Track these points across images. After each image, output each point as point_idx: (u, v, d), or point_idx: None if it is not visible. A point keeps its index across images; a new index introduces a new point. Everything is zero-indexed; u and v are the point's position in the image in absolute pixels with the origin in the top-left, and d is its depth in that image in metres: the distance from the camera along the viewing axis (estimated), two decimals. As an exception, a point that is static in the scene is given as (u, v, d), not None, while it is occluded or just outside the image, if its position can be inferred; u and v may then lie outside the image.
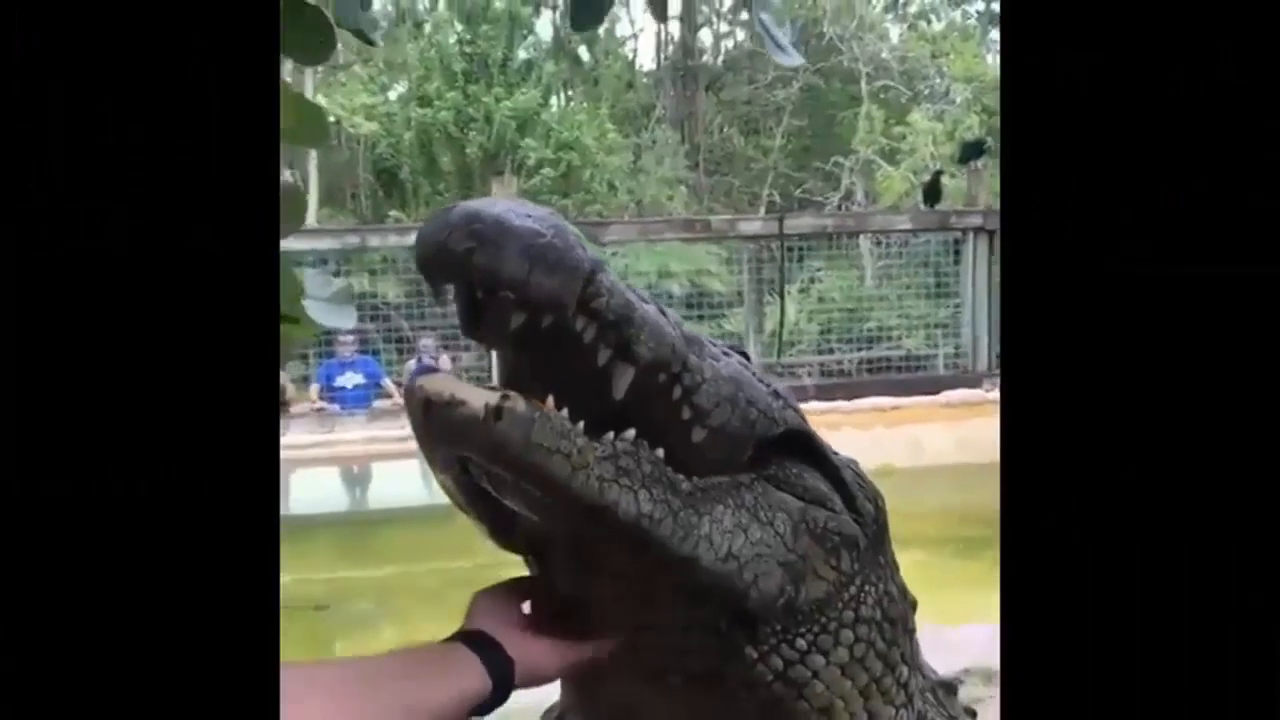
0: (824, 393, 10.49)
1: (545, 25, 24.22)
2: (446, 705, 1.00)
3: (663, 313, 1.06)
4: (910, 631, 1.28)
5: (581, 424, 0.98)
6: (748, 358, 1.21)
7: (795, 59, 1.75)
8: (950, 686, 1.43)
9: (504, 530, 1.14)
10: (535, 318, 0.93)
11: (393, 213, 20.28)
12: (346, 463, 10.15)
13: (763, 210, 20.97)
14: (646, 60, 28.88)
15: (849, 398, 10.20)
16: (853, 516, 1.20)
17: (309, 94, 20.30)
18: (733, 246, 13.59)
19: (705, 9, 27.23)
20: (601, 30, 25.33)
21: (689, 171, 23.93)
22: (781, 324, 12.46)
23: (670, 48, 27.44)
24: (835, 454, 1.25)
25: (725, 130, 25.45)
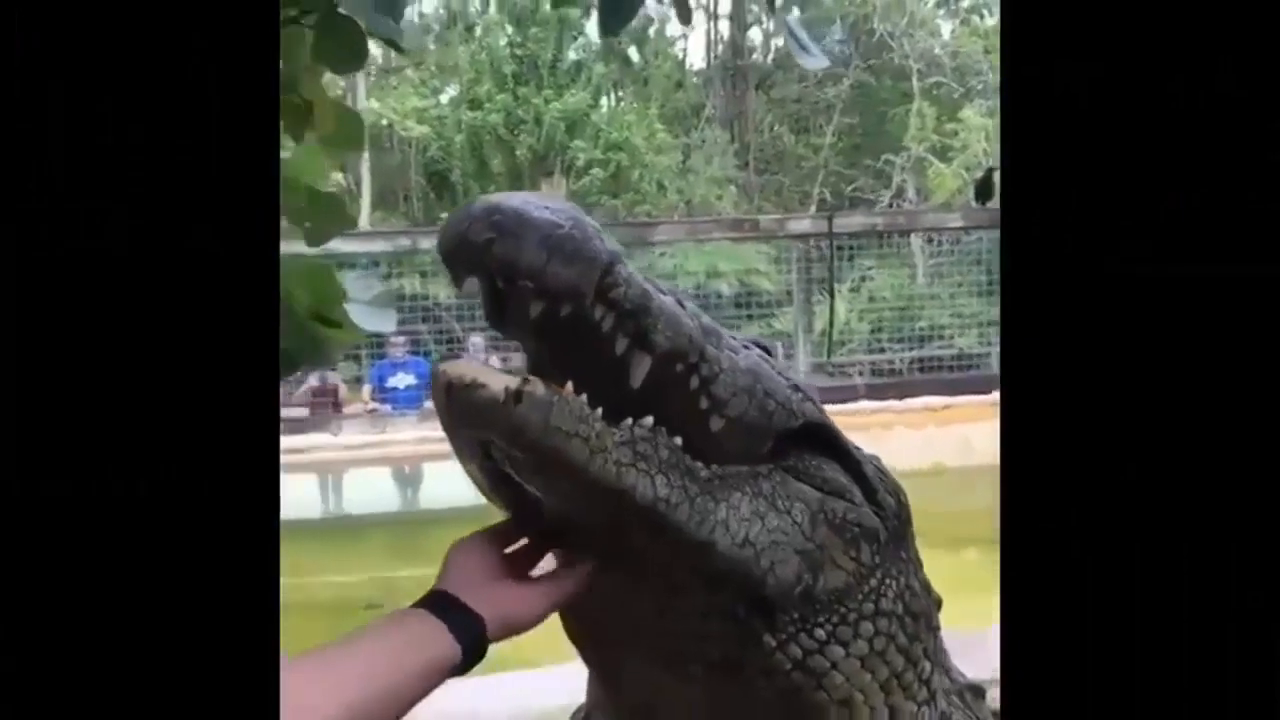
0: (875, 392, 10.40)
1: (595, 26, 24.26)
2: (417, 675, 0.99)
3: (681, 304, 1.07)
4: (934, 629, 1.27)
5: (600, 410, 0.99)
6: (769, 352, 1.22)
7: (820, 60, 1.71)
8: (979, 690, 1.41)
9: (529, 519, 1.14)
10: (554, 307, 0.95)
11: (444, 215, 20.41)
12: (398, 463, 10.26)
13: (813, 209, 20.83)
14: (697, 59, 28.84)
15: (900, 397, 10.10)
16: (873, 509, 1.19)
17: (361, 98, 20.57)
18: (782, 246, 13.51)
19: (755, 7, 27.11)
20: (651, 30, 25.36)
21: (738, 171, 23.85)
22: (831, 323, 12.37)
23: (720, 47, 27.38)
24: (856, 449, 1.25)
25: (775, 129, 25.32)
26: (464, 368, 0.98)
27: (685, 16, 2.16)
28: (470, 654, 1.02)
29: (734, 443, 1.10)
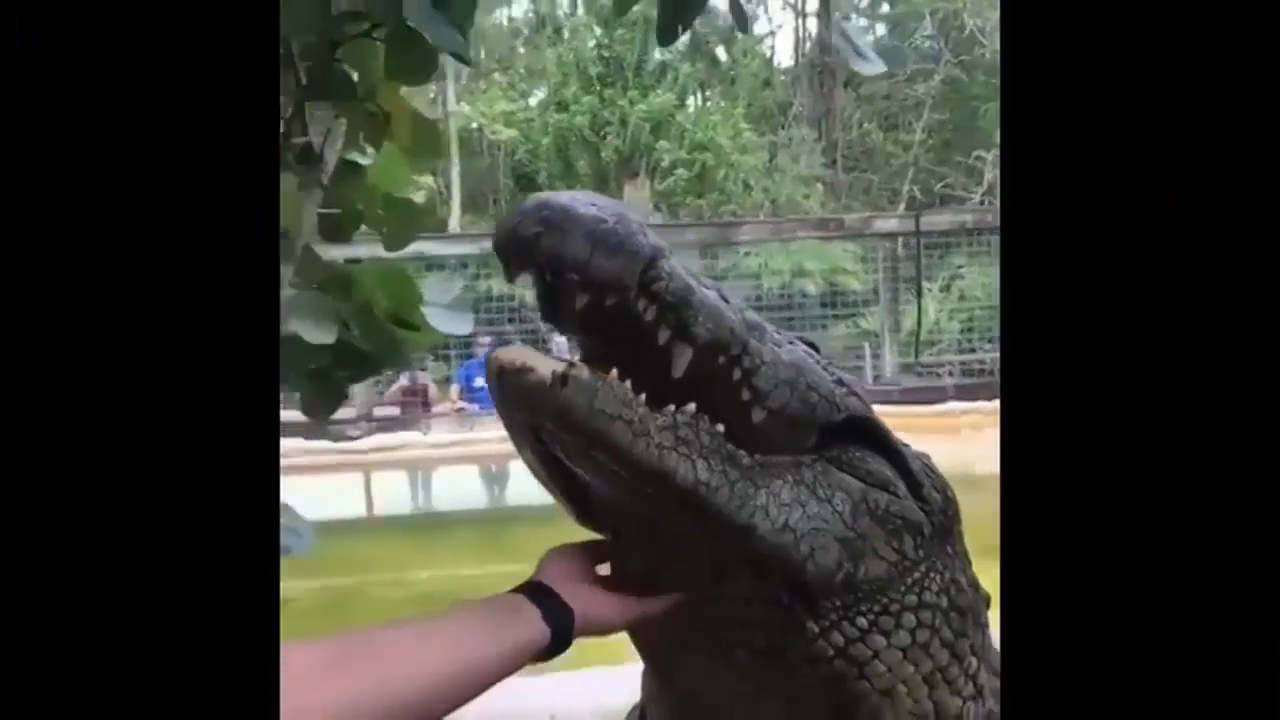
0: (965, 392, 10.20)
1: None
2: (506, 654, 1.04)
3: (724, 299, 1.10)
4: (982, 625, 1.26)
5: (644, 396, 1.03)
6: (816, 349, 1.24)
7: (876, 65, 1.70)
8: None
9: (582, 505, 1.20)
10: (598, 298, 0.99)
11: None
12: (485, 461, 10.38)
13: (902, 207, 20.47)
14: (785, 58, 28.62)
15: (990, 398, 9.84)
16: (919, 504, 1.20)
17: (451, 102, 20.91)
18: (869, 244, 13.31)
19: (844, 4, 26.79)
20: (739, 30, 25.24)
21: (825, 169, 23.56)
22: (919, 322, 12.14)
23: (808, 44, 27.12)
24: (905, 445, 1.26)
25: (864, 126, 24.96)
26: (515, 353, 1.02)
27: (743, 24, 2.12)
28: (557, 641, 1.08)
29: (777, 434, 1.12)
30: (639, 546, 1.19)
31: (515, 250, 1.00)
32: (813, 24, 27.29)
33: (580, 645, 1.15)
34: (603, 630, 1.14)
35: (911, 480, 1.21)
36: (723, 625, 1.14)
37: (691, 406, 1.06)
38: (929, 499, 1.21)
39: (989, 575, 1.12)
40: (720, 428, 1.08)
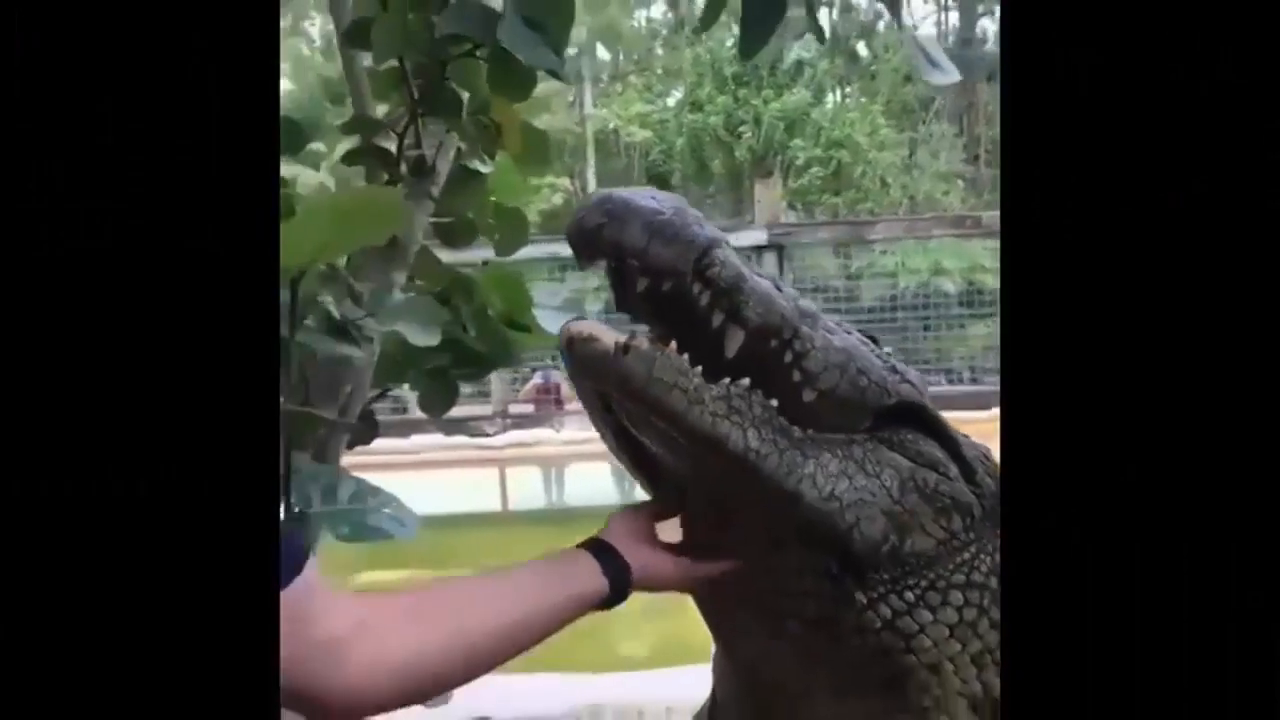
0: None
1: (823, 22, 24.00)
2: (568, 602, 1.13)
3: (778, 288, 1.16)
4: None
5: (700, 368, 1.10)
6: (876, 342, 1.29)
7: (951, 75, 1.61)
8: None
9: (649, 475, 1.28)
10: (656, 283, 1.08)
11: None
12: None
13: (1049, 202, 19.56)
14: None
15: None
16: (971, 488, 1.22)
17: (589, 106, 21.18)
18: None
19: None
20: (881, 24, 24.76)
21: (966, 165, 22.83)
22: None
23: (950, 38, 26.37)
24: (964, 437, 1.28)
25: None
26: (585, 325, 1.11)
27: (819, 34, 2.04)
28: (615, 593, 1.16)
29: (829, 415, 1.16)
30: (700, 516, 1.26)
31: (583, 241, 1.09)
32: (955, 17, 26.50)
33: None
34: (659, 587, 1.22)
35: (964, 465, 1.23)
36: (777, 595, 1.18)
37: (745, 381, 1.12)
38: (981, 484, 1.22)
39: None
40: (774, 403, 1.14)
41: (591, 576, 1.15)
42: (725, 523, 1.21)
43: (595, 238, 1.07)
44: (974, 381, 13.26)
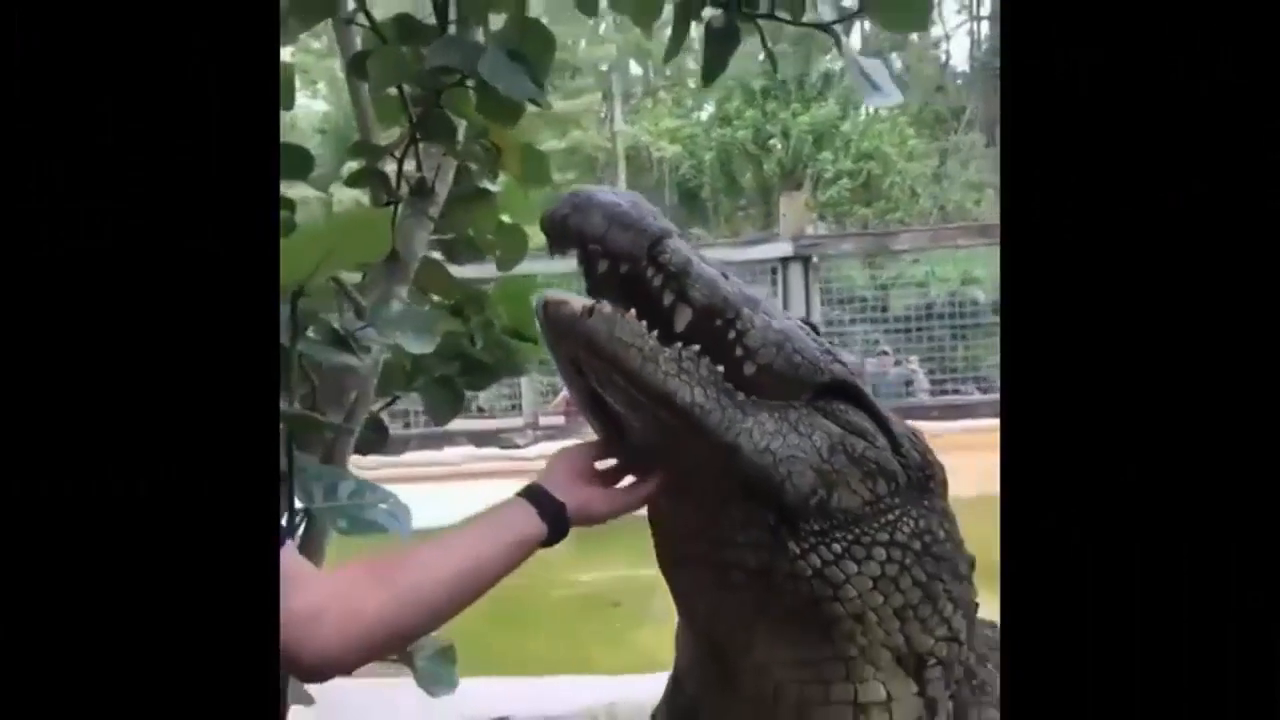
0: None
1: (855, 36, 23.98)
2: (510, 550, 1.22)
3: (725, 276, 1.29)
4: (961, 577, 1.37)
5: (656, 333, 1.22)
6: (816, 330, 1.40)
7: (892, 97, 1.63)
8: None
9: (616, 443, 1.37)
10: (615, 265, 1.20)
11: (694, 230, 20.75)
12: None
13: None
14: (960, 62, 27.78)
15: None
16: (897, 458, 1.33)
17: (619, 122, 21.29)
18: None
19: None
20: (916, 34, 24.73)
21: (995, 175, 22.68)
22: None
23: (983, 47, 26.25)
24: (896, 418, 1.40)
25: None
26: (556, 293, 1.23)
27: (774, 61, 2.06)
28: (555, 532, 1.26)
29: (768, 388, 1.28)
30: (661, 472, 1.35)
31: (553, 229, 1.21)
32: (986, 27, 26.38)
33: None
34: (597, 519, 1.31)
35: (892, 438, 1.34)
36: (724, 548, 1.29)
37: (695, 348, 1.24)
38: (907, 456, 1.34)
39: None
40: (720, 369, 1.25)
41: (529, 521, 1.24)
42: (679, 479, 1.31)
43: (563, 226, 1.20)
44: (1006, 390, 13.13)
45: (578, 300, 1.21)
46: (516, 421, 12.03)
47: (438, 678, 1.85)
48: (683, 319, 1.23)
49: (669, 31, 1.73)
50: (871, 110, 23.27)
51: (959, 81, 26.30)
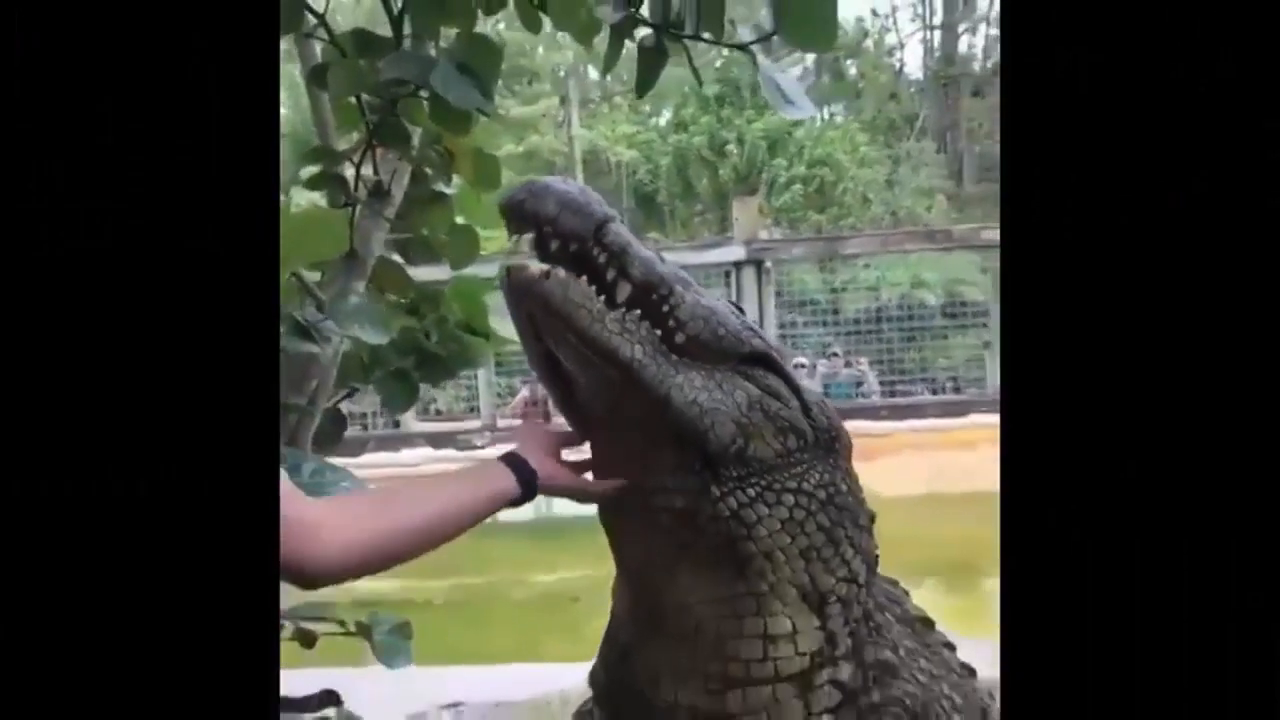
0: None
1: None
2: (487, 500, 1.37)
3: (661, 259, 1.45)
4: (861, 527, 1.52)
5: (606, 294, 1.38)
6: (742, 310, 1.56)
7: (805, 110, 1.72)
8: (929, 621, 1.68)
9: (567, 402, 1.51)
10: (565, 244, 1.35)
11: (651, 234, 20.84)
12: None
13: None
14: (915, 70, 28.09)
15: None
16: (807, 420, 1.48)
17: (576, 126, 21.32)
18: (992, 255, 12.96)
19: (976, 14, 26.18)
20: (870, 42, 24.99)
21: (945, 180, 23.00)
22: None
23: (935, 55, 26.61)
24: (806, 388, 1.55)
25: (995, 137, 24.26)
26: (519, 260, 1.35)
27: (698, 78, 2.17)
28: (525, 493, 1.40)
29: (697, 355, 1.44)
30: (604, 431, 1.51)
31: (511, 212, 1.35)
32: (939, 36, 26.74)
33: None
34: (559, 493, 1.47)
35: (803, 403, 1.50)
36: (654, 493, 1.43)
37: (636, 313, 1.39)
38: (816, 419, 1.49)
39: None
40: (658, 333, 1.41)
41: (506, 480, 1.40)
42: (621, 430, 1.46)
43: (520, 209, 1.34)
44: (956, 390, 13.36)
45: (537, 266, 1.33)
46: (474, 424, 12.06)
47: (394, 650, 1.93)
48: (623, 292, 1.38)
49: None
50: (829, 116, 23.55)
51: (911, 90, 26.63)
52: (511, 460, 1.43)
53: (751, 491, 1.40)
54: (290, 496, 1.17)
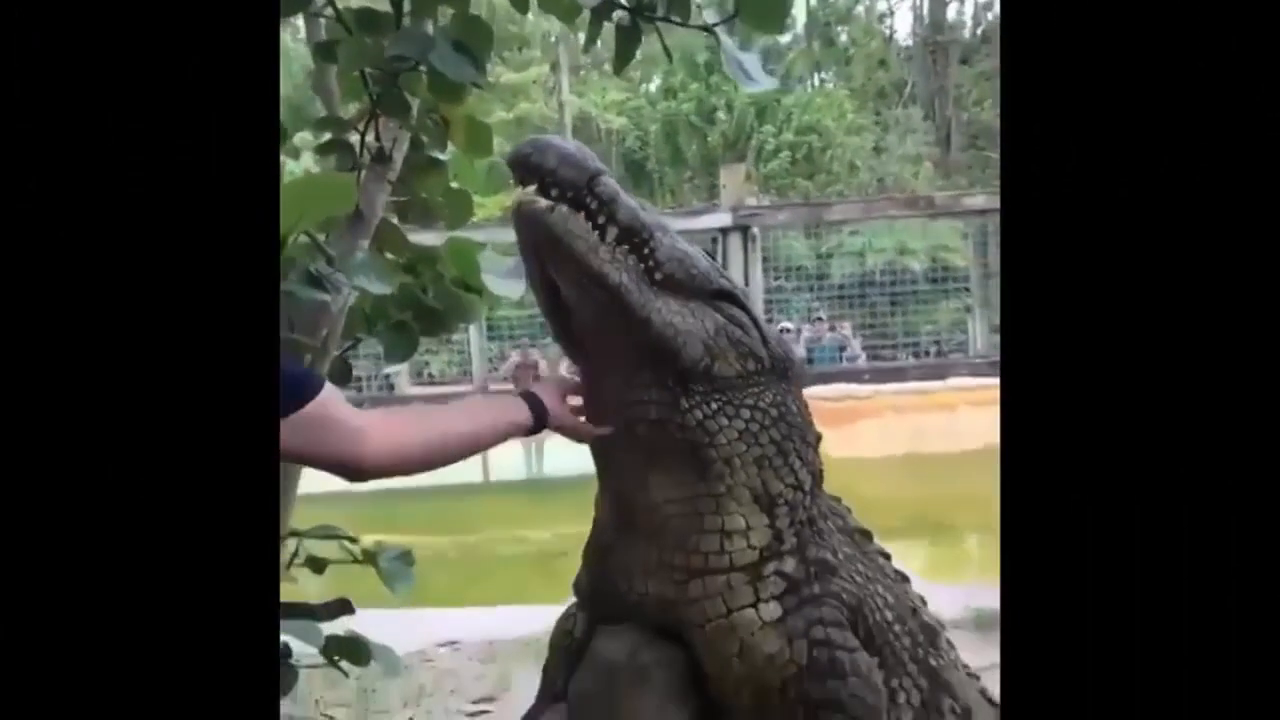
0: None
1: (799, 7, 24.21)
2: (507, 425, 1.61)
3: (643, 208, 1.66)
4: (809, 444, 1.74)
5: (598, 232, 1.59)
6: (713, 256, 1.90)
7: (764, 84, 1.92)
8: (868, 534, 1.86)
9: (566, 335, 1.73)
10: (563, 192, 1.56)
11: (641, 201, 20.89)
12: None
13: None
14: (905, 37, 27.98)
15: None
16: (765, 348, 1.69)
17: (566, 93, 21.34)
18: (974, 222, 13.14)
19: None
20: (861, 8, 24.93)
21: (932, 148, 23.07)
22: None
23: (925, 22, 26.51)
24: (766, 322, 1.78)
25: (985, 104, 24.25)
26: (529, 194, 1.56)
27: (668, 55, 2.36)
28: (536, 425, 1.64)
29: (674, 291, 1.65)
30: (593, 349, 1.72)
31: (517, 164, 1.58)
32: (929, 2, 26.66)
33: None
34: (562, 430, 1.70)
35: (762, 334, 1.71)
36: (632, 405, 1.64)
37: (625, 248, 1.61)
38: (773, 348, 1.71)
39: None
40: (642, 266, 1.62)
41: (522, 411, 1.64)
42: (610, 350, 1.68)
43: (525, 162, 1.56)
44: (940, 355, 13.60)
45: (544, 201, 1.55)
46: (466, 388, 12.24)
47: (398, 575, 2.13)
48: (610, 234, 1.59)
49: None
50: (820, 83, 23.55)
51: (900, 56, 26.59)
52: (529, 397, 1.66)
53: (714, 405, 1.62)
54: (341, 404, 1.39)
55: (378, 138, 2.17)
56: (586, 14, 1.95)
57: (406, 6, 2.07)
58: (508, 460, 10.83)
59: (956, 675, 1.83)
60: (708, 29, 1.87)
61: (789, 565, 1.66)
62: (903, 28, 28.05)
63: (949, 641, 1.89)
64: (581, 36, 2.09)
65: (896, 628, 1.75)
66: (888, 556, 1.88)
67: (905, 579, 1.87)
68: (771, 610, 1.62)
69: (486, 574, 7.51)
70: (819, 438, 1.78)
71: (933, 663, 1.77)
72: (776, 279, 14.20)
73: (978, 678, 1.97)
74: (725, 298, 1.70)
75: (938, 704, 1.75)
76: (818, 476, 1.76)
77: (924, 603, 1.87)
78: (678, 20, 1.90)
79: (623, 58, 1.99)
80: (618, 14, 1.93)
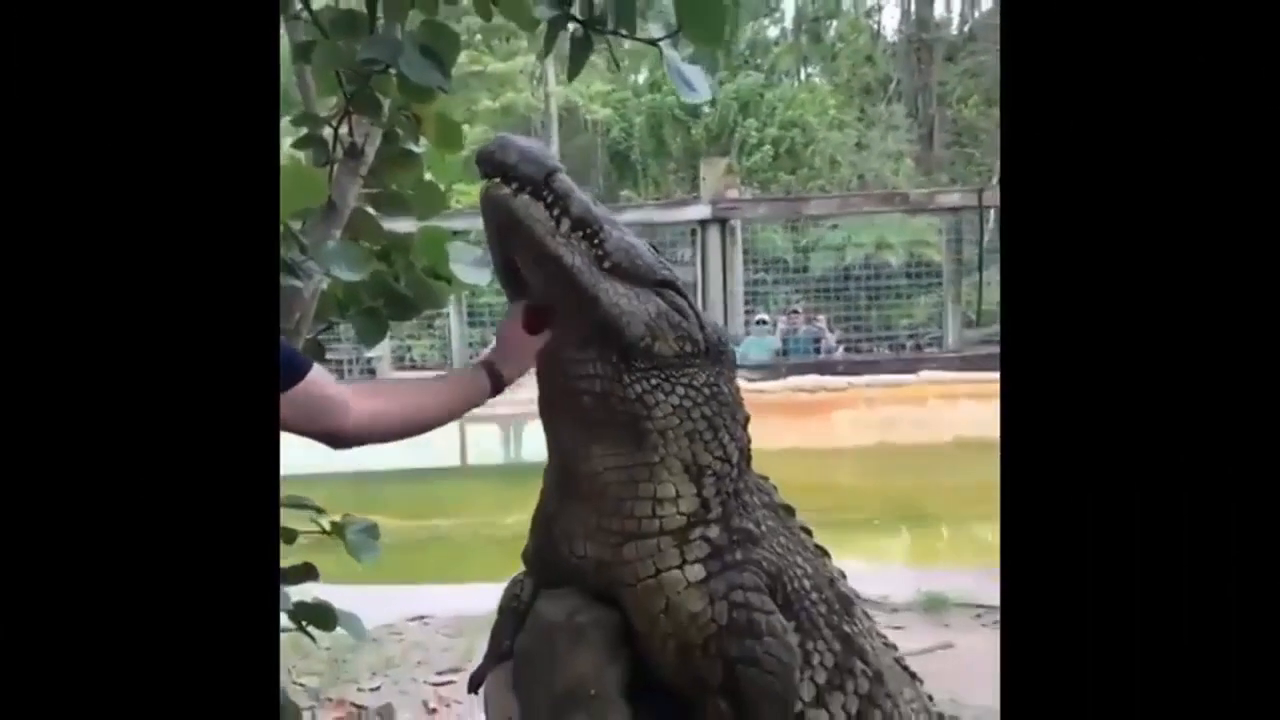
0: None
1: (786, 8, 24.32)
2: (469, 393, 1.73)
3: (596, 203, 1.78)
4: (738, 423, 1.85)
5: (554, 220, 1.70)
6: (658, 250, 1.90)
7: (703, 94, 2.04)
8: (791, 510, 1.98)
9: (520, 296, 1.82)
10: (522, 186, 1.67)
11: (624, 192, 21.06)
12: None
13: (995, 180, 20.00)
14: (892, 33, 28.07)
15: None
16: (701, 332, 1.81)
17: (551, 83, 21.37)
18: (949, 219, 13.33)
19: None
20: (851, 3, 25.02)
21: (913, 145, 23.21)
22: (980, 294, 12.35)
23: (911, 19, 26.61)
24: (701, 312, 1.90)
25: (968, 101, 24.36)
26: (496, 183, 1.68)
27: (615, 63, 2.48)
28: (495, 388, 1.76)
29: (620, 279, 1.77)
30: (555, 331, 1.83)
31: (483, 161, 1.69)
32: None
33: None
34: (515, 357, 1.79)
35: (700, 321, 1.84)
36: (579, 379, 1.75)
37: (580, 234, 1.73)
38: (709, 335, 1.83)
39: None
40: (593, 253, 1.74)
41: (482, 378, 1.76)
42: (562, 327, 1.78)
43: (490, 159, 1.68)
44: (917, 348, 13.80)
45: (509, 188, 1.68)
46: (445, 373, 12.34)
47: (364, 547, 2.25)
48: (564, 225, 1.71)
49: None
50: (806, 78, 23.65)
51: (886, 53, 26.69)
52: (488, 366, 1.79)
53: (653, 381, 1.74)
54: (325, 380, 1.50)
55: (350, 133, 2.29)
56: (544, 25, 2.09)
57: (379, 10, 2.18)
58: (486, 445, 10.98)
59: (870, 642, 1.95)
60: (652, 42, 2.01)
61: (714, 532, 1.78)
62: (890, 24, 28.13)
63: (865, 612, 2.01)
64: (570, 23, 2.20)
65: (814, 595, 1.87)
66: (809, 532, 2.00)
67: (825, 553, 2.01)
68: (696, 572, 1.74)
69: (461, 555, 7.64)
70: (748, 418, 1.90)
71: (847, 629, 1.89)
72: (757, 272, 14.36)
73: (895, 647, 2.10)
74: (668, 286, 1.83)
75: (850, 666, 1.87)
76: (745, 453, 1.88)
77: (843, 576, 2.00)
78: (625, 34, 2.04)
79: (575, 66, 2.14)
80: (572, 25, 2.07)
